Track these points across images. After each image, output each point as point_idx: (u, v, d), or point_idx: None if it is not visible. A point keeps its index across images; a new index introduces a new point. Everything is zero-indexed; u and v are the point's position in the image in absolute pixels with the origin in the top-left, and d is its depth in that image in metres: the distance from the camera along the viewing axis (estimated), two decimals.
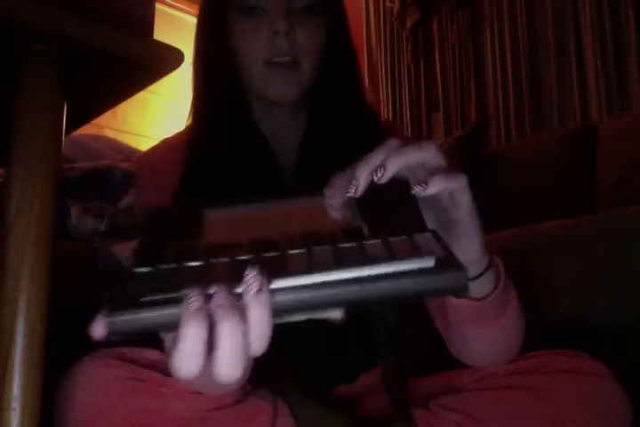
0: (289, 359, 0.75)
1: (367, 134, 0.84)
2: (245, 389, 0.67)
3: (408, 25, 3.06)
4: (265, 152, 0.82)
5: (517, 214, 1.91)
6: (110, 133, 2.56)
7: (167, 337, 0.42)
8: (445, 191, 0.51)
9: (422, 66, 3.08)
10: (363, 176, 0.49)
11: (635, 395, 0.67)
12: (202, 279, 0.38)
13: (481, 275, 0.59)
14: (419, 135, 2.99)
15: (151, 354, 0.67)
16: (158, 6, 2.79)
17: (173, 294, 0.37)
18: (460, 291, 0.37)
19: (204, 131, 0.83)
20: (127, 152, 2.09)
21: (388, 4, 3.20)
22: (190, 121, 0.86)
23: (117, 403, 0.62)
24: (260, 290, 0.37)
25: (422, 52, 3.09)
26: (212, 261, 0.41)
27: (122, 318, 0.37)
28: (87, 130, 2.14)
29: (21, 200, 0.50)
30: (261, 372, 0.60)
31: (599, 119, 2.30)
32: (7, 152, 0.51)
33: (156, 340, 0.56)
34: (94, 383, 0.63)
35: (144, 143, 2.58)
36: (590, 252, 1.17)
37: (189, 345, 0.37)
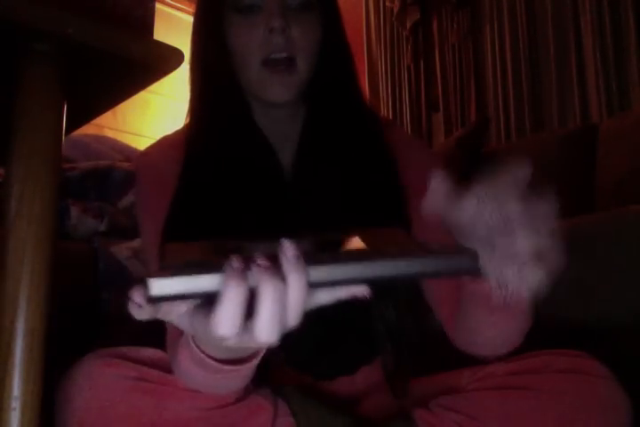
0: (289, 356, 0.76)
1: (365, 132, 0.84)
2: (246, 388, 0.67)
3: (408, 25, 3.06)
4: (265, 150, 0.82)
5: None
6: (110, 133, 2.56)
7: (183, 319, 0.42)
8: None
9: (422, 66, 3.08)
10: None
11: (635, 395, 0.67)
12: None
13: None
14: (419, 135, 2.99)
15: (150, 353, 0.68)
16: (158, 6, 2.79)
17: (211, 263, 0.39)
18: (473, 273, 0.40)
19: (202, 130, 0.83)
20: (127, 152, 2.09)
21: (387, 3, 3.20)
22: (188, 120, 0.86)
23: (118, 402, 0.62)
24: (297, 254, 0.38)
25: (422, 52, 3.09)
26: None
27: (162, 280, 0.37)
28: (87, 130, 2.15)
29: (21, 200, 0.50)
30: (262, 372, 0.60)
31: (599, 119, 2.29)
32: (7, 152, 0.51)
33: (154, 340, 0.56)
34: (95, 382, 0.63)
35: (144, 143, 2.58)
36: (590, 252, 1.17)
37: (229, 307, 0.37)
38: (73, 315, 1.19)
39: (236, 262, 0.37)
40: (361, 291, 0.40)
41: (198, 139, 0.82)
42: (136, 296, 0.39)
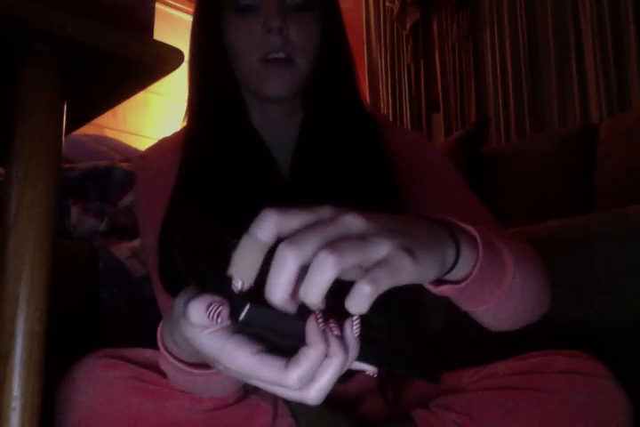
0: None
1: (364, 133, 0.84)
2: (246, 388, 0.67)
3: (408, 25, 3.06)
4: (261, 150, 0.82)
5: (517, 214, 1.90)
6: (110, 133, 2.56)
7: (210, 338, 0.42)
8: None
9: (422, 66, 3.08)
10: (277, 299, 0.39)
11: (635, 395, 0.67)
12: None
13: (451, 268, 0.49)
14: None
15: (150, 354, 0.67)
16: (158, 6, 2.79)
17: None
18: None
19: (199, 130, 0.83)
20: (127, 152, 2.08)
21: (387, 4, 3.20)
22: (187, 121, 0.86)
23: (118, 403, 0.62)
24: (361, 335, 0.40)
25: (422, 52, 3.09)
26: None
27: (258, 309, 0.39)
28: (87, 130, 2.14)
29: (21, 200, 0.50)
30: None
31: (599, 119, 2.30)
32: (7, 152, 0.51)
33: (154, 340, 0.56)
34: (94, 383, 0.63)
35: (144, 143, 2.58)
36: (590, 252, 1.17)
37: (310, 364, 0.39)
38: (73, 315, 1.19)
39: (322, 322, 0.39)
40: (369, 370, 0.44)
41: (195, 140, 0.82)
42: (223, 311, 0.39)
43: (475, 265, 0.51)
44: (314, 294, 0.38)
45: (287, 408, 0.70)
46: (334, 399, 0.77)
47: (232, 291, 0.40)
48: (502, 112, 2.70)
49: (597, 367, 0.68)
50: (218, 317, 0.39)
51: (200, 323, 0.40)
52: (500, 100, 2.72)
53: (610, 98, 2.33)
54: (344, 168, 0.80)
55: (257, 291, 0.41)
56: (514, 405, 0.66)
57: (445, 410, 0.68)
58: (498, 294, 0.56)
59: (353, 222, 0.40)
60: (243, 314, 0.38)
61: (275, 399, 0.70)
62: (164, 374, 0.63)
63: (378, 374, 0.45)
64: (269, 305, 0.39)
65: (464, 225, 0.52)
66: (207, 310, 0.40)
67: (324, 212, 0.41)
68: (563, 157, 2.04)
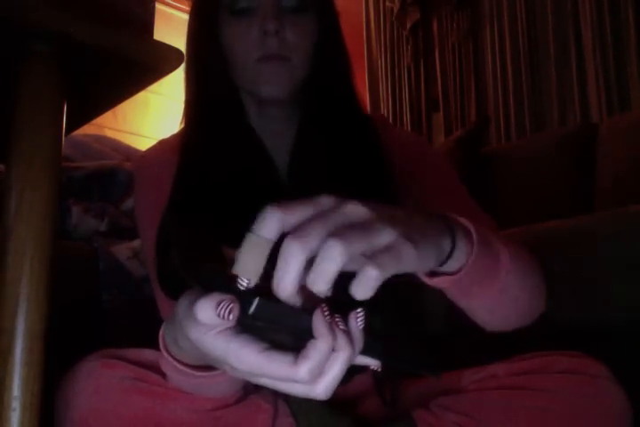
0: None
1: (361, 134, 0.84)
2: (246, 388, 0.67)
3: (408, 25, 3.06)
4: (258, 151, 0.82)
5: (517, 214, 1.90)
6: (110, 133, 2.56)
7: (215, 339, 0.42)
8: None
9: (422, 66, 3.08)
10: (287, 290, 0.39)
11: (635, 395, 0.67)
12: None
13: (447, 259, 0.50)
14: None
15: (150, 354, 0.67)
16: (158, 6, 2.79)
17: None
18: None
19: (197, 131, 0.83)
20: (127, 152, 2.08)
21: (388, 4, 3.20)
22: (184, 122, 0.86)
23: (118, 403, 0.62)
24: (365, 327, 0.41)
25: (422, 52, 3.09)
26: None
27: (267, 304, 0.39)
28: (87, 130, 2.14)
29: (21, 200, 0.50)
30: None
31: (599, 119, 2.29)
32: (7, 152, 0.51)
33: (154, 341, 0.56)
34: (94, 383, 0.63)
35: (144, 143, 2.58)
36: (590, 252, 1.17)
37: (319, 357, 0.39)
38: (73, 315, 1.19)
39: (328, 315, 0.39)
40: (373, 364, 0.44)
41: (192, 142, 0.82)
42: (234, 310, 0.39)
43: (469, 257, 0.52)
44: (322, 282, 0.38)
45: (287, 408, 0.70)
46: (334, 400, 0.77)
47: (237, 289, 0.40)
48: (502, 112, 2.70)
49: (597, 367, 0.68)
50: (229, 314, 0.39)
51: (209, 322, 0.40)
52: (500, 100, 2.72)
53: (610, 98, 2.32)
54: (342, 169, 0.81)
55: (259, 287, 0.41)
56: (514, 405, 0.66)
57: (445, 410, 0.68)
58: (492, 289, 0.57)
59: (355, 211, 0.41)
60: (252, 308, 0.39)
61: (274, 399, 0.70)
62: (163, 375, 0.63)
63: (376, 373, 0.45)
64: (275, 300, 0.39)
65: (461, 219, 0.53)
66: (217, 308, 0.40)
67: (326, 202, 0.41)
68: (563, 156, 2.04)
